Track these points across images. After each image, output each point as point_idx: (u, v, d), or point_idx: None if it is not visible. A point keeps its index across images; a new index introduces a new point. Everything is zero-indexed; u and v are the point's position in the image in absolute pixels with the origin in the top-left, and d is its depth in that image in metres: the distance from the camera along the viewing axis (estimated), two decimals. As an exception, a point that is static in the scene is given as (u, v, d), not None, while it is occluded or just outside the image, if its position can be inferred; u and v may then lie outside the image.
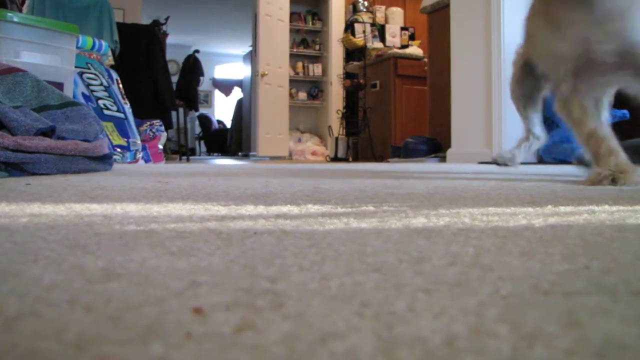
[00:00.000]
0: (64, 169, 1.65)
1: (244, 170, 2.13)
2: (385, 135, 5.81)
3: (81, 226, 0.59)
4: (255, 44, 6.83)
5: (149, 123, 3.67)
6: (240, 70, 11.13)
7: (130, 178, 1.50)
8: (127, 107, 3.41)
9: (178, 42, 10.41)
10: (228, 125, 9.86)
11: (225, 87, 11.92)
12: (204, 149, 10.39)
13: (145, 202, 0.86)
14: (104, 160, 1.85)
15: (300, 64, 7.63)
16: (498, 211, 0.76)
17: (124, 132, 3.25)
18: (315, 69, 7.64)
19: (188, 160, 5.61)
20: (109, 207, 0.78)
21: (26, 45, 2.40)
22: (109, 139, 2.76)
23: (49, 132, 1.66)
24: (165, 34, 6.46)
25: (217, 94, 12.20)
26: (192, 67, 6.30)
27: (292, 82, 7.28)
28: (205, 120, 9.96)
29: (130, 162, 3.16)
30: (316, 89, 7.66)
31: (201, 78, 6.48)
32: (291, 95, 7.21)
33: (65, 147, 1.66)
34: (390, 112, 5.77)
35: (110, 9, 4.03)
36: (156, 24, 5.82)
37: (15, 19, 2.37)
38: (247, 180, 1.44)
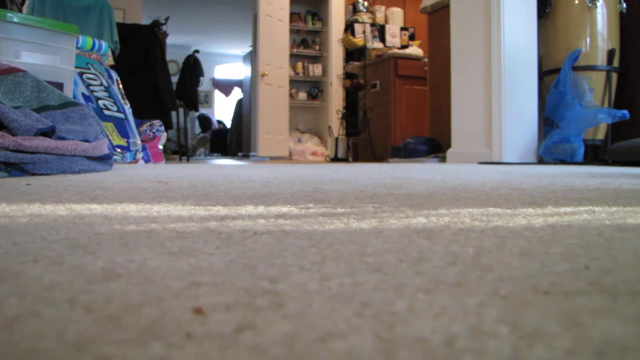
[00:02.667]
0: (64, 169, 1.65)
1: (244, 171, 2.13)
2: (385, 136, 5.81)
3: (81, 226, 0.60)
4: (255, 44, 6.84)
5: (149, 123, 3.67)
6: (240, 71, 11.15)
7: (130, 178, 1.50)
8: (127, 108, 3.41)
9: (178, 42, 10.41)
10: (228, 125, 9.86)
11: (225, 87, 11.92)
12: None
13: (146, 202, 0.86)
14: (104, 161, 1.85)
15: (300, 64, 7.63)
16: (498, 211, 0.76)
17: (124, 132, 3.25)
18: (315, 69, 7.64)
19: (188, 160, 5.61)
20: (109, 207, 0.78)
21: (26, 46, 2.40)
22: (109, 139, 2.76)
23: (49, 133, 1.67)
24: (165, 34, 6.45)
25: (217, 94, 12.20)
26: (192, 67, 6.30)
27: (292, 82, 7.29)
28: (205, 121, 9.96)
29: (130, 163, 3.16)
30: (316, 89, 7.66)
31: (201, 78, 6.47)
32: (291, 96, 7.21)
33: (65, 148, 1.66)
34: (390, 112, 5.77)
35: (111, 9, 4.03)
36: (156, 24, 5.81)
37: (15, 19, 2.37)
38: (247, 181, 1.44)
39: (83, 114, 1.86)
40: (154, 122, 3.72)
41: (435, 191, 1.11)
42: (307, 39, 7.76)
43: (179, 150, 6.25)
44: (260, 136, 6.32)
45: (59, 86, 2.43)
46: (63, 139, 1.71)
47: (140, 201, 0.87)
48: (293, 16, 7.32)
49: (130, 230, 0.57)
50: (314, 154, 6.42)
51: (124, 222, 0.63)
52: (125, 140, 3.23)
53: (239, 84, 10.86)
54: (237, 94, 11.13)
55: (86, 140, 1.81)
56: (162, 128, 3.76)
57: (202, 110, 9.88)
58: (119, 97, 3.40)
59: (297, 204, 0.84)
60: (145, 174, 1.78)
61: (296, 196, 0.98)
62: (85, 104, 2.04)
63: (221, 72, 12.28)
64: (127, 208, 0.77)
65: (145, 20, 6.37)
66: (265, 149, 6.31)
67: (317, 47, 7.78)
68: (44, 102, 1.84)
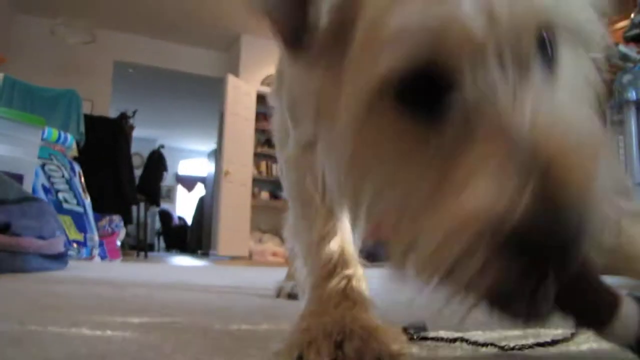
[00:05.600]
0: (15, 268, 1.60)
1: (202, 277, 2.10)
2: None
3: (30, 348, 0.56)
4: (220, 142, 6.89)
5: (108, 218, 3.62)
6: (204, 167, 11.20)
7: (84, 284, 1.46)
8: (87, 202, 3.36)
9: (144, 135, 10.44)
10: (189, 221, 9.77)
11: (189, 182, 11.91)
12: (162, 244, 10.22)
13: (100, 315, 0.82)
14: (58, 259, 1.81)
15: (264, 164, 7.69)
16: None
17: (81, 227, 3.19)
18: (279, 169, 7.71)
19: (146, 256, 5.50)
20: (62, 321, 0.75)
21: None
22: (66, 234, 2.70)
23: (2, 228, 1.62)
24: (132, 127, 6.49)
25: (180, 189, 12.16)
26: (157, 162, 6.31)
27: (255, 181, 7.31)
28: (165, 216, 9.85)
29: (86, 258, 3.09)
30: (279, 189, 7.69)
31: (165, 173, 6.46)
32: (254, 195, 7.21)
33: (19, 245, 1.61)
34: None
35: (79, 100, 4.04)
36: (123, 117, 5.85)
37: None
38: (203, 291, 1.41)
39: (41, 210, 1.83)
40: (114, 217, 3.67)
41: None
42: (271, 139, 7.87)
43: (137, 246, 6.12)
44: (220, 234, 6.23)
45: (19, 178, 2.39)
46: (18, 235, 1.66)
47: (94, 312, 0.84)
48: (259, 115, 7.43)
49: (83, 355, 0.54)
50: (274, 254, 6.36)
51: (75, 344, 0.60)
52: (83, 234, 3.17)
53: (202, 180, 10.87)
54: (199, 189, 11.12)
55: (42, 237, 1.76)
56: (122, 224, 3.71)
57: (164, 205, 9.80)
58: (80, 190, 3.36)
59: (252, 321, 0.81)
60: (101, 277, 1.73)
61: (252, 311, 0.95)
62: (44, 200, 2.01)
63: (185, 167, 12.30)
64: (82, 328, 0.74)
65: (113, 112, 6.40)
66: (225, 248, 6.22)
67: (282, 148, 7.88)
68: (1, 196, 1.80)
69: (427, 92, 0.41)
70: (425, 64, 0.39)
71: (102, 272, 1.84)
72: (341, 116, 0.44)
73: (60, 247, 1.82)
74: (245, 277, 1.98)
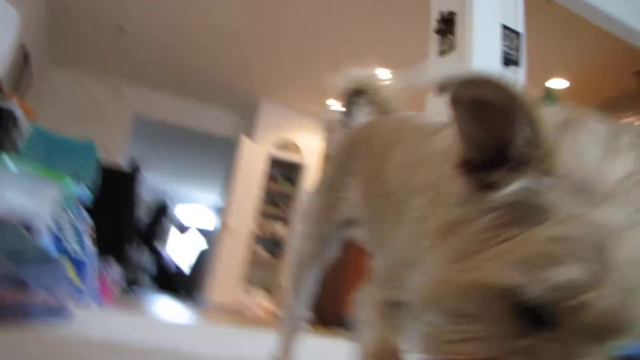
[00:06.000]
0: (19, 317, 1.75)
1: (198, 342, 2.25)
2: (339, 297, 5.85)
3: None
4: (226, 198, 7.05)
5: (103, 260, 3.77)
6: (200, 215, 11.42)
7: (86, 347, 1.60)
8: (93, 252, 3.52)
9: (150, 179, 10.57)
10: (182, 266, 9.76)
11: (183, 227, 11.92)
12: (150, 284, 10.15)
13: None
14: (62, 312, 1.97)
15: (264, 222, 7.77)
16: None
17: (83, 276, 3.33)
18: (279, 228, 7.77)
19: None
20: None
21: (11, 188, 2.52)
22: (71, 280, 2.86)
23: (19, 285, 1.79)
24: (140, 174, 6.66)
25: (173, 230, 12.04)
26: (160, 210, 6.41)
27: (256, 238, 7.39)
28: (159, 258, 9.80)
29: (83, 303, 3.23)
30: (276, 247, 7.76)
31: (166, 221, 6.51)
32: (252, 251, 7.28)
33: (31, 301, 1.79)
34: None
35: (96, 152, 4.22)
36: (135, 167, 6.02)
37: (9, 165, 2.53)
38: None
39: (57, 272, 2.00)
40: (109, 258, 3.81)
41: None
42: (275, 199, 7.95)
43: (130, 285, 6.18)
44: (213, 285, 6.43)
45: (35, 230, 2.54)
46: (32, 294, 1.83)
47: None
48: (267, 177, 7.52)
49: None
50: (262, 308, 6.41)
51: None
52: (83, 283, 3.31)
53: (203, 231, 11.08)
54: (192, 234, 11.35)
55: (52, 295, 1.93)
56: (117, 266, 3.85)
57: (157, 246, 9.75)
58: (89, 242, 3.51)
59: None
60: (99, 336, 1.88)
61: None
62: (59, 261, 2.18)
63: (182, 211, 12.25)
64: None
65: (126, 157, 6.62)
66: (216, 296, 6.39)
67: (284, 208, 7.98)
68: (21, 253, 1.96)
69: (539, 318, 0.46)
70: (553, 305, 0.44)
71: (100, 330, 1.99)
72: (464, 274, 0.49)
73: (65, 302, 1.98)
74: (239, 342, 2.12)
